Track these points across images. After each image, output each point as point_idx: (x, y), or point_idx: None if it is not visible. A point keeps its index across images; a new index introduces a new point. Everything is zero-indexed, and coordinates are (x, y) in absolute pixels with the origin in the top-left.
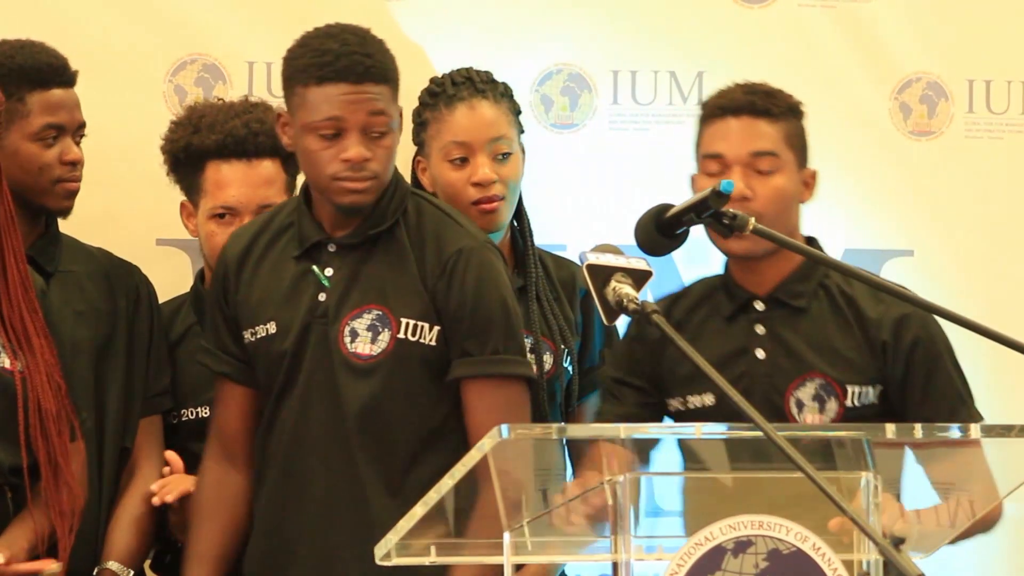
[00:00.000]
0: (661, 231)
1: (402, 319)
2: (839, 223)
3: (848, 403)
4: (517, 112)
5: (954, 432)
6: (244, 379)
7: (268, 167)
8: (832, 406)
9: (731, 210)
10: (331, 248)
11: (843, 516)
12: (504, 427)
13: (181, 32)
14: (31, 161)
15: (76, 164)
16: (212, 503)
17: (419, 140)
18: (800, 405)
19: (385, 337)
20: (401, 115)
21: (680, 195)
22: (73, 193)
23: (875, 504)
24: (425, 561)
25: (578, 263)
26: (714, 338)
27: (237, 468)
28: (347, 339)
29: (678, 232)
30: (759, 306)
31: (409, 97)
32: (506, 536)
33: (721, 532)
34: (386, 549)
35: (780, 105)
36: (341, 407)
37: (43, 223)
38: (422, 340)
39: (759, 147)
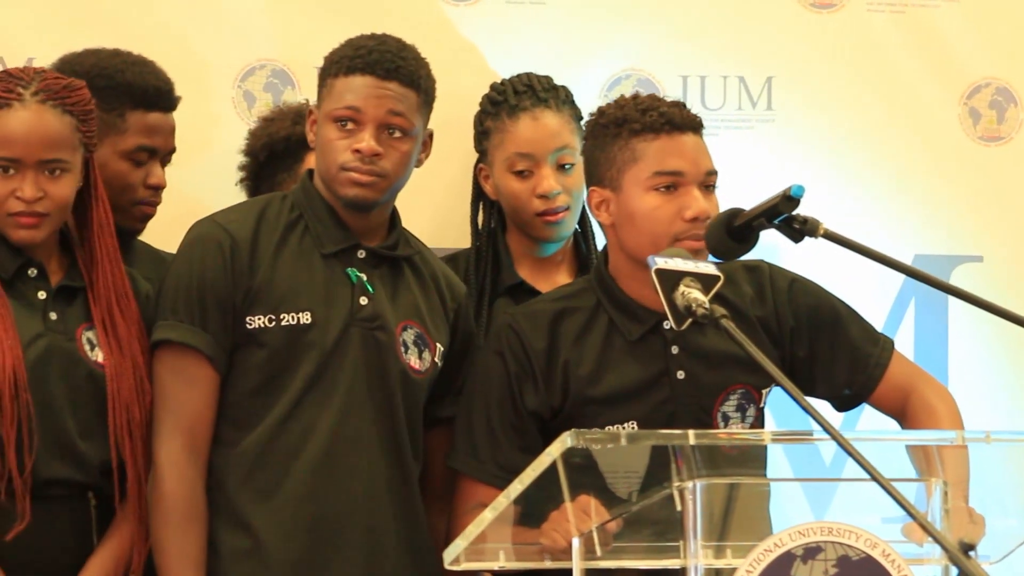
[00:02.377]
0: (732, 235)
1: (437, 344)
2: (908, 229)
3: (760, 404)
4: (579, 118)
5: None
6: (220, 366)
7: None
8: (751, 412)
9: (801, 214)
10: (360, 254)
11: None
12: (571, 433)
13: (250, 38)
14: (117, 178)
15: (159, 189)
16: (193, 502)
17: (481, 148)
18: (726, 418)
19: (428, 357)
20: (430, 139)
21: (749, 200)
22: (148, 217)
23: (945, 510)
24: (494, 566)
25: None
26: (625, 362)
27: (202, 460)
28: (402, 349)
29: (748, 236)
30: (667, 325)
31: (467, 100)
32: (575, 541)
33: (790, 538)
34: (455, 554)
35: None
36: (395, 413)
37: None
38: (439, 364)
39: (710, 167)
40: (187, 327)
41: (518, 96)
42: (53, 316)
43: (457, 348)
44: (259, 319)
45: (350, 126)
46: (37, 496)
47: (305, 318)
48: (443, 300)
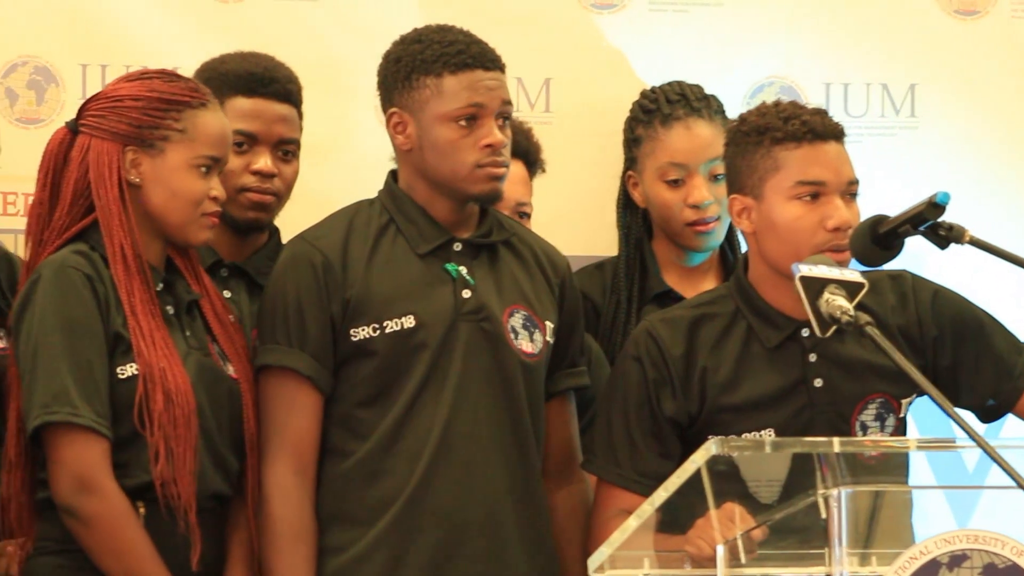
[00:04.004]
0: (877, 242)
1: (546, 322)
2: None
3: (900, 414)
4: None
5: None
6: (325, 386)
7: None
8: (891, 422)
9: (947, 221)
10: (456, 247)
11: None
12: (715, 441)
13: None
14: None
15: (267, 176)
16: (302, 523)
17: (630, 156)
18: (864, 427)
19: (539, 338)
20: None
21: (893, 207)
22: (258, 204)
23: None
24: (639, 573)
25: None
26: (763, 370)
27: (309, 480)
28: (511, 335)
29: (894, 243)
30: (806, 333)
31: (613, 108)
32: (719, 548)
33: (936, 546)
34: (600, 561)
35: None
36: (515, 400)
37: (266, 235)
38: (550, 343)
39: (852, 176)
40: (285, 350)
41: (671, 105)
42: (188, 332)
43: (566, 322)
44: (363, 330)
45: (469, 122)
46: (200, 510)
47: (408, 322)
48: (547, 276)
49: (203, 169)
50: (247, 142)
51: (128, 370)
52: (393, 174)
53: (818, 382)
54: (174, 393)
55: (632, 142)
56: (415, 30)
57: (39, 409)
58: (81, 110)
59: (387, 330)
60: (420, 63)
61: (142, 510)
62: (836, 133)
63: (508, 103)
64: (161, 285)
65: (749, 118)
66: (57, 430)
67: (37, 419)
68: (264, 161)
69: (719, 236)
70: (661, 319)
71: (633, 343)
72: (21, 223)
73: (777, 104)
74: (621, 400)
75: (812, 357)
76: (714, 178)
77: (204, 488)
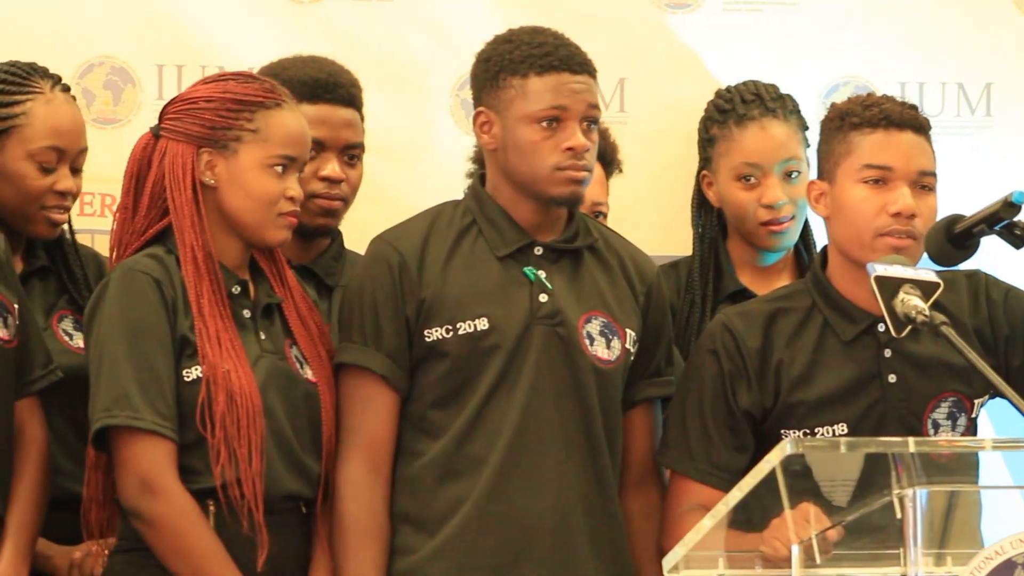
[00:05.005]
0: (952, 242)
1: (627, 330)
2: None
3: (972, 414)
4: (805, 128)
5: None
6: (400, 385)
7: None
8: (962, 421)
9: (1022, 221)
10: (537, 251)
11: None
12: (791, 440)
13: (466, 46)
14: None
15: (335, 181)
16: (374, 522)
17: (705, 155)
18: (936, 425)
19: (616, 345)
20: None
21: (968, 206)
22: (327, 210)
23: None
24: (713, 574)
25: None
26: (837, 364)
27: (385, 479)
28: (586, 342)
29: (969, 243)
30: (882, 328)
31: (687, 108)
32: (794, 548)
33: (1011, 546)
34: (674, 561)
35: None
36: (587, 407)
37: (330, 238)
38: (631, 351)
39: (926, 167)
40: (362, 349)
41: (746, 105)
42: (263, 335)
43: (651, 330)
44: (437, 331)
45: (553, 124)
46: (271, 511)
47: (482, 324)
48: (632, 284)
49: (278, 169)
50: (314, 148)
51: (193, 373)
52: (481, 177)
53: (892, 378)
54: (237, 394)
55: (707, 142)
56: (509, 30)
57: (101, 412)
58: (161, 114)
59: (459, 332)
60: (508, 63)
61: (212, 508)
62: (915, 124)
63: (594, 107)
64: (238, 288)
65: (837, 105)
66: (120, 433)
67: (99, 422)
68: (332, 167)
69: (793, 236)
70: (737, 312)
71: (708, 336)
72: (98, 223)
73: (869, 94)
74: (696, 393)
75: (887, 353)
76: (788, 177)
77: (276, 489)
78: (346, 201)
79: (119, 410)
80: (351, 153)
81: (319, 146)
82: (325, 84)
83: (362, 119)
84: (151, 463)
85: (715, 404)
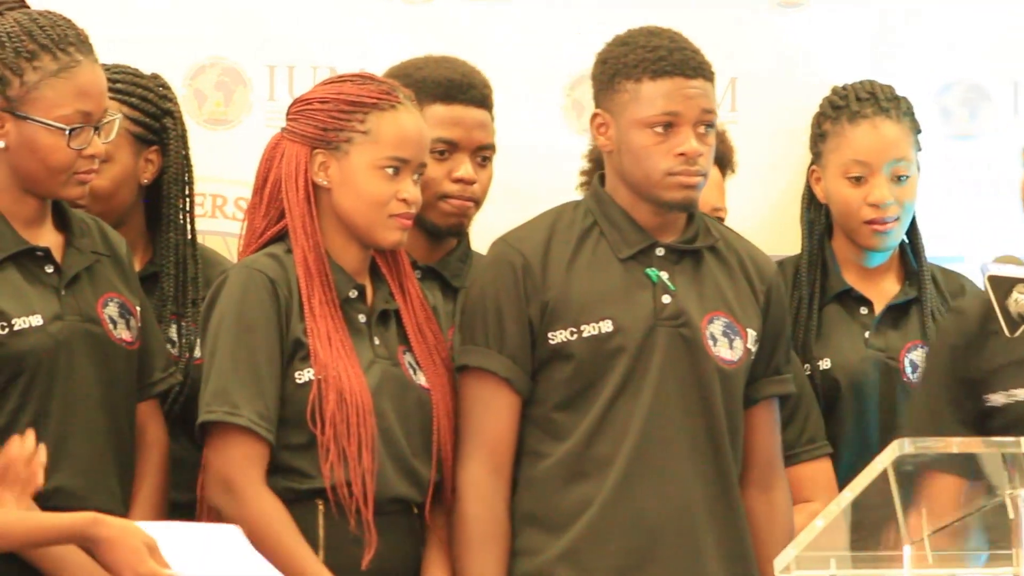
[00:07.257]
0: None
1: (748, 329)
2: None
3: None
4: (918, 131)
5: None
6: (522, 387)
7: None
8: (738, 344)
9: None
10: (659, 252)
11: None
12: (905, 440)
13: (580, 46)
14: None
15: (468, 183)
16: (495, 523)
17: (816, 150)
18: (714, 340)
19: (739, 345)
20: None
21: None
22: (460, 211)
23: None
24: (825, 574)
25: (979, 273)
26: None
27: (504, 481)
28: (710, 343)
29: None
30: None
31: (798, 106)
32: (906, 549)
33: None
34: (786, 562)
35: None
36: (712, 407)
37: (456, 239)
38: (752, 351)
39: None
40: (484, 351)
41: (860, 103)
42: (376, 340)
43: (771, 329)
44: (561, 333)
45: (666, 129)
46: (379, 512)
47: (606, 326)
48: (752, 283)
49: (389, 171)
50: (448, 149)
51: (305, 375)
52: (600, 177)
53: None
54: (347, 394)
55: (818, 137)
56: (628, 31)
57: (203, 407)
58: (286, 114)
59: (584, 334)
60: (623, 67)
61: (320, 508)
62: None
63: (709, 112)
64: (355, 292)
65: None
66: (215, 428)
67: (201, 417)
68: (465, 168)
69: (896, 237)
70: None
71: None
72: (211, 224)
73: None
74: None
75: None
76: (897, 179)
77: (385, 492)
78: (477, 202)
79: (217, 405)
80: (483, 154)
81: (452, 147)
82: (459, 85)
83: (492, 120)
84: (235, 463)
85: None
